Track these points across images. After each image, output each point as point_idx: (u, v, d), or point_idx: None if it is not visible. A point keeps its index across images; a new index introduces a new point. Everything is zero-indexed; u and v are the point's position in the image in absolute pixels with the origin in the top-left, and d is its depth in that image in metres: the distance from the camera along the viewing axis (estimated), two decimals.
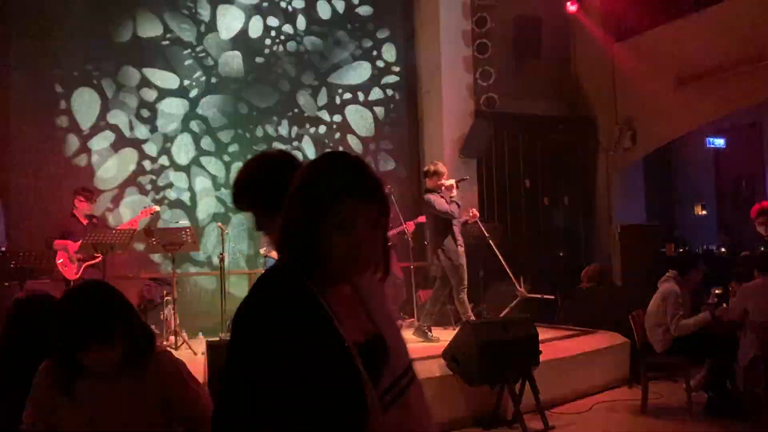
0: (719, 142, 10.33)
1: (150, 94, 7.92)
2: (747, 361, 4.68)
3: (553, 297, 6.78)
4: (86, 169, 7.56)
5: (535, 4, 9.65)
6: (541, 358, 5.17)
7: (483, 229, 6.94)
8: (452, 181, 6.63)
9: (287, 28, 8.78)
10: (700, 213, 10.81)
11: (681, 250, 9.64)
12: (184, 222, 7.45)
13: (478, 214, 6.98)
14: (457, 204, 6.57)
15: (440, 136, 9.02)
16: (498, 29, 9.15)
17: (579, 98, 10.12)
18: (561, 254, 8.24)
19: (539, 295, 6.87)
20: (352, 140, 9.08)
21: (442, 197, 6.48)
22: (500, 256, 6.90)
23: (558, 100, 10.16)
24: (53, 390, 1.99)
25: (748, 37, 7.87)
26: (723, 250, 8.88)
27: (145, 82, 7.90)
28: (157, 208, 6.90)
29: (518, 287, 7.00)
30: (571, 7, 9.68)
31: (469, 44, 9.12)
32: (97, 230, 6.11)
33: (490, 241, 6.90)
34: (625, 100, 9.59)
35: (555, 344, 5.94)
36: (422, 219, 8.08)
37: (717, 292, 5.91)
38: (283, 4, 8.79)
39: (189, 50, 8.17)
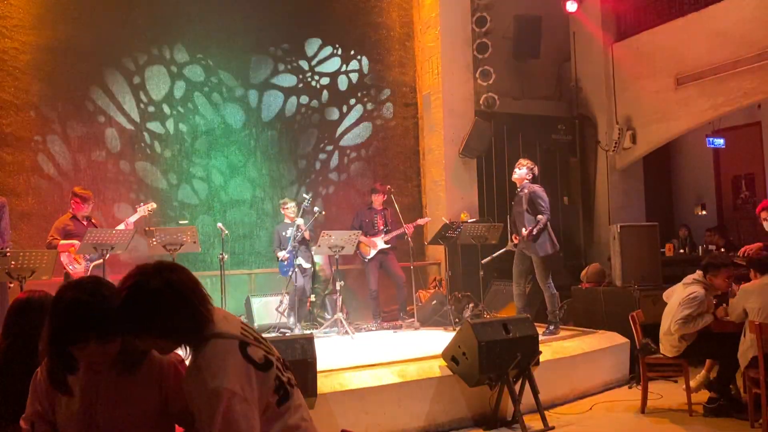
0: (719, 142, 10.31)
1: None
2: (747, 361, 4.67)
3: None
4: None
5: (535, 3, 9.66)
6: (541, 358, 5.17)
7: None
8: None
9: None
10: (700, 213, 10.80)
11: (681, 250, 9.65)
12: (184, 222, 7.45)
13: None
14: None
15: (440, 136, 9.02)
16: (498, 29, 9.16)
17: (579, 98, 10.13)
18: (561, 254, 8.24)
19: None
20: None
21: None
22: None
23: (558, 100, 10.18)
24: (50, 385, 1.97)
25: (747, 37, 7.88)
26: (722, 250, 8.87)
27: None
28: (154, 204, 6.83)
29: None
30: (571, 7, 9.68)
31: (469, 44, 9.12)
32: (96, 231, 6.09)
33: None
34: (624, 100, 9.59)
35: (555, 344, 5.94)
36: (421, 222, 8.13)
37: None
38: None
39: None
